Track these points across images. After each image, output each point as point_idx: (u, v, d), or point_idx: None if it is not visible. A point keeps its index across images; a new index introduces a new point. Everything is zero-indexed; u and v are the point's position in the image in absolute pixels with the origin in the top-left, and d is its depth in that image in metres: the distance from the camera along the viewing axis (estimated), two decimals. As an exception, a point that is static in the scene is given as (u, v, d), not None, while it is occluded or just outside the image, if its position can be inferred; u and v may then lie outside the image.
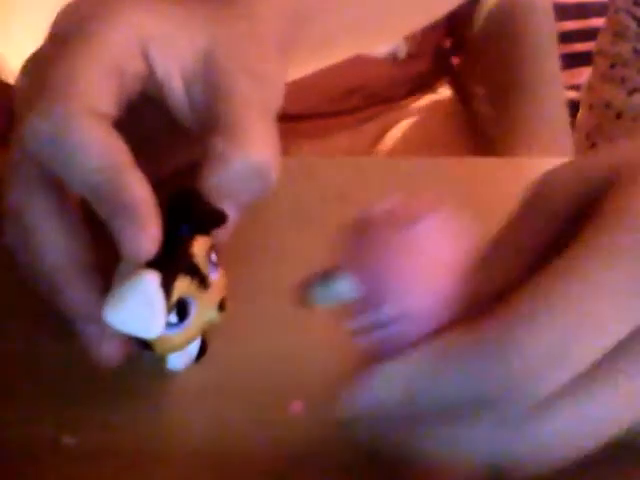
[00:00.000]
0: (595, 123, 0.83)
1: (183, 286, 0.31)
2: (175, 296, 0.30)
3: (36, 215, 0.34)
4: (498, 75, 0.83)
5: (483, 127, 0.82)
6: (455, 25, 0.86)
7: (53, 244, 0.33)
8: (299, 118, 0.78)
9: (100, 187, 0.31)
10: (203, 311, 0.32)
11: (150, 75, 0.35)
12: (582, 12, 1.23)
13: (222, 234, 0.34)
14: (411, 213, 0.27)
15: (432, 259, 0.27)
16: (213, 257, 0.33)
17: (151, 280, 0.30)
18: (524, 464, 0.26)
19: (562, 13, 1.23)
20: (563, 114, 0.82)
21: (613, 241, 0.25)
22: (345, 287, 0.28)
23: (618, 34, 0.82)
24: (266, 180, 0.34)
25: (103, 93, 0.33)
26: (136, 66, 0.34)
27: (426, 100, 0.82)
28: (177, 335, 0.32)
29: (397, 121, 0.80)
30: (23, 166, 0.34)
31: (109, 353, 0.33)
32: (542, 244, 0.28)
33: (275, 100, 0.36)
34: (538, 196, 0.29)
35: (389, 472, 0.32)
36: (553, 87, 0.83)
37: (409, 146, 0.78)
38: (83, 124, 0.32)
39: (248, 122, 0.34)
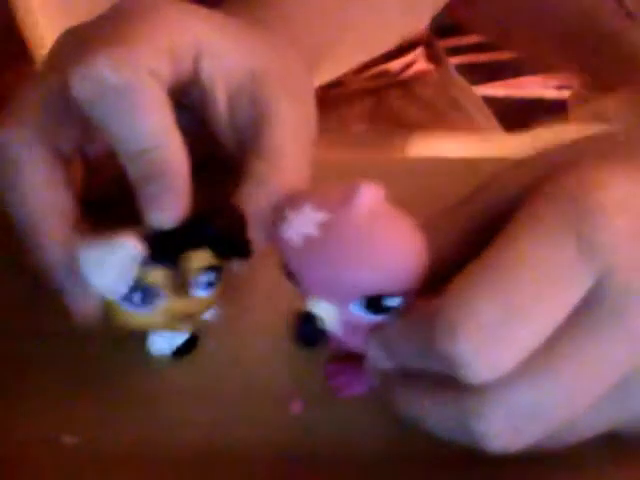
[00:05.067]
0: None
1: (157, 276, 0.31)
2: (148, 280, 0.31)
3: (31, 160, 0.34)
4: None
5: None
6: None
7: (38, 191, 0.34)
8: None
9: (151, 150, 0.32)
10: (169, 312, 0.32)
11: (195, 81, 0.36)
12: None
13: (242, 265, 0.34)
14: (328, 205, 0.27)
15: (380, 241, 0.26)
16: (208, 277, 0.32)
17: (134, 250, 0.30)
18: (489, 440, 0.26)
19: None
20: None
21: (547, 223, 0.25)
22: (327, 313, 0.28)
23: None
24: None
25: (165, 65, 0.33)
26: (184, 67, 0.35)
27: (419, 84, 0.81)
28: (133, 315, 0.32)
29: (388, 98, 0.80)
30: (31, 108, 0.34)
31: (85, 308, 0.34)
32: (490, 219, 0.29)
33: (314, 124, 0.37)
34: (492, 180, 0.30)
35: (389, 472, 0.32)
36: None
37: (397, 127, 0.78)
38: (150, 83, 0.32)
39: (290, 149, 0.35)
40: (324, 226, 0.27)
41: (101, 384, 0.35)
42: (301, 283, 0.28)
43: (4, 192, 0.34)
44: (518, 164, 0.30)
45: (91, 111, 0.32)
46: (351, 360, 0.31)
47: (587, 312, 0.25)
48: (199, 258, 0.32)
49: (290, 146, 0.35)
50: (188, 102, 0.37)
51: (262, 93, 0.35)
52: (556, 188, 0.26)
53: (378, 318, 0.28)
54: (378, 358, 0.29)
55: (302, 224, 0.27)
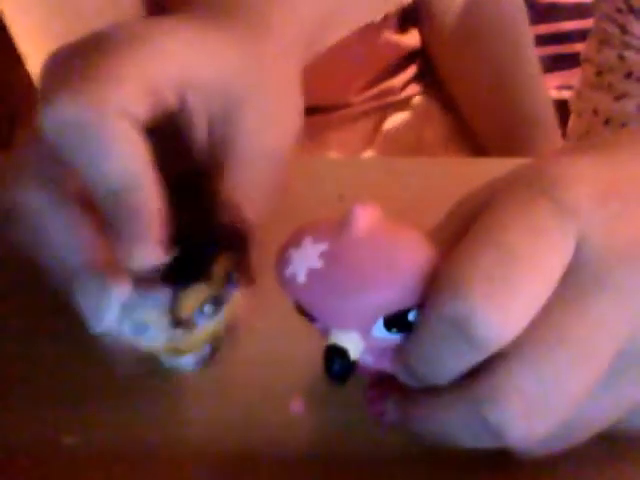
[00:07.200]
0: (585, 130, 0.82)
1: (146, 314, 0.31)
2: (137, 317, 0.31)
3: (44, 214, 0.33)
4: (478, 77, 0.83)
5: (470, 130, 0.83)
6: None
7: (61, 246, 0.33)
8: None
9: (121, 193, 0.31)
10: (170, 344, 0.32)
11: (181, 113, 0.35)
12: (582, 12, 1.23)
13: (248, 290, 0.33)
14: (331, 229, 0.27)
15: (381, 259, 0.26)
16: (207, 309, 0.32)
17: (113, 298, 0.31)
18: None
19: (562, 13, 1.23)
20: (551, 113, 0.83)
21: (519, 198, 0.27)
22: (351, 343, 0.27)
23: (603, 41, 0.82)
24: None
25: (139, 103, 0.33)
26: (168, 100, 0.34)
27: (419, 99, 0.81)
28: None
29: (391, 117, 0.80)
30: (32, 158, 0.34)
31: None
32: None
33: (289, 145, 0.37)
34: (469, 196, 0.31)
35: (389, 472, 0.32)
36: (538, 86, 0.84)
37: (401, 147, 0.78)
38: (118, 123, 0.31)
39: (252, 183, 0.35)
40: (325, 256, 0.26)
41: (101, 384, 0.35)
42: (317, 318, 0.28)
43: (31, 245, 0.33)
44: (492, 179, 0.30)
45: (60, 152, 0.32)
46: (390, 383, 0.30)
47: (574, 280, 0.26)
48: (195, 293, 0.31)
49: (253, 180, 0.35)
50: (172, 124, 0.37)
51: (235, 118, 0.35)
52: (521, 173, 0.28)
53: (404, 336, 0.27)
54: (404, 378, 0.28)
55: (303, 259, 0.27)
